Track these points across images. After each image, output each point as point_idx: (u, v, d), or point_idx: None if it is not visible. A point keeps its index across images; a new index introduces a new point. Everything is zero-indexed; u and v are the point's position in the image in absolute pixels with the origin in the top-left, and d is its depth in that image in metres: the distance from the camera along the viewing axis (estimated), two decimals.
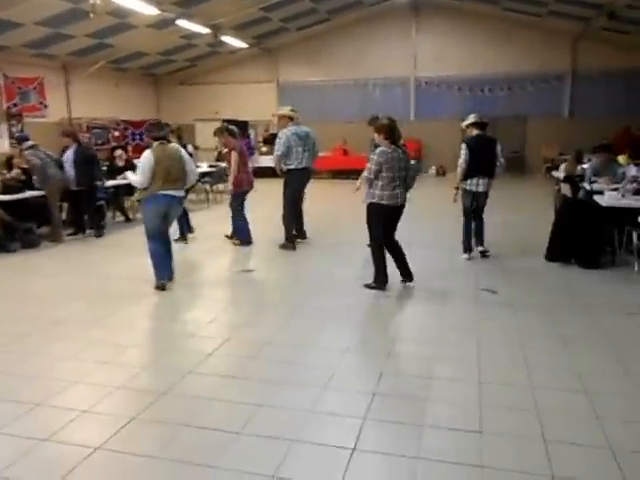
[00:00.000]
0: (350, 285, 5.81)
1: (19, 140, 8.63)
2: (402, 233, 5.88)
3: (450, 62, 17.61)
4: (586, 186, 7.34)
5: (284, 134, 7.49)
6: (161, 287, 5.71)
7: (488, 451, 2.84)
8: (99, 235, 8.62)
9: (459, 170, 6.82)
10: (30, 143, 8.24)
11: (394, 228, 5.75)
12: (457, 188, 6.95)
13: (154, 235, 5.70)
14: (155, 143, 5.68)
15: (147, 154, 5.57)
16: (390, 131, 5.44)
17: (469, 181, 6.81)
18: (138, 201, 5.88)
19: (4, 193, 7.83)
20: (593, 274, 6.19)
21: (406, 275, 5.78)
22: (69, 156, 8.40)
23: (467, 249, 7.00)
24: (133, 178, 5.71)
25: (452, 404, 3.35)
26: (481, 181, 6.78)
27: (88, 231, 8.72)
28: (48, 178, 8.10)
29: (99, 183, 8.90)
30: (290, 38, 18.53)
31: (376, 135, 5.52)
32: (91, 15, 11.04)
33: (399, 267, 5.78)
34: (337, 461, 2.77)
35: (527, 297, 5.44)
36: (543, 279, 6.08)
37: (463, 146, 6.79)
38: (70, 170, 8.34)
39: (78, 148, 8.52)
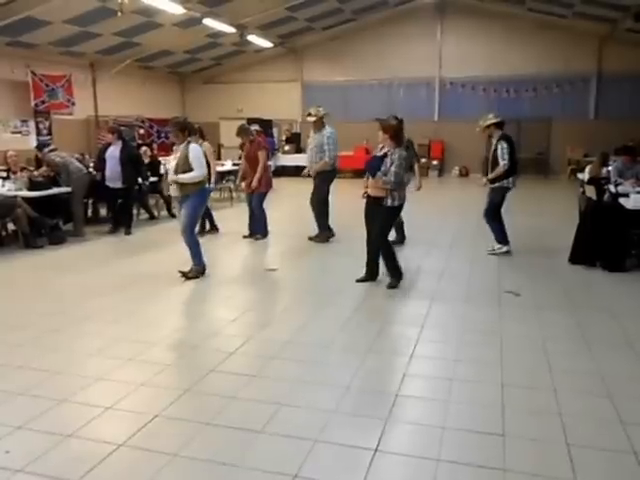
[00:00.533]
0: (374, 285, 5.79)
1: (40, 147, 9.10)
2: (425, 233, 5.87)
3: (475, 63, 17.47)
4: (611, 189, 7.23)
5: (332, 134, 7.53)
6: (204, 270, 6.11)
7: (510, 454, 2.82)
8: (129, 233, 8.73)
9: (503, 167, 6.76)
10: (51, 147, 8.74)
11: None
12: (489, 180, 6.94)
13: (194, 226, 6.07)
14: (193, 138, 5.96)
15: (198, 148, 5.91)
16: (396, 133, 5.40)
17: (510, 178, 6.85)
18: (186, 196, 5.86)
19: (31, 190, 7.99)
20: (618, 277, 6.10)
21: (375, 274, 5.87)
22: (114, 153, 8.54)
23: (506, 241, 7.08)
24: (196, 173, 5.77)
25: (474, 406, 3.32)
26: (514, 178, 6.89)
27: (121, 228, 8.84)
28: (71, 174, 8.33)
29: (145, 182, 9.28)
30: (315, 38, 18.57)
31: (381, 133, 5.43)
32: (118, 13, 11.20)
33: (376, 266, 5.80)
34: (359, 462, 2.77)
35: (551, 299, 5.38)
36: (567, 282, 6.00)
37: (504, 144, 6.78)
38: (116, 167, 8.48)
39: (124, 146, 8.68)
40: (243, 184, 8.30)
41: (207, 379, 3.69)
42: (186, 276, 6.00)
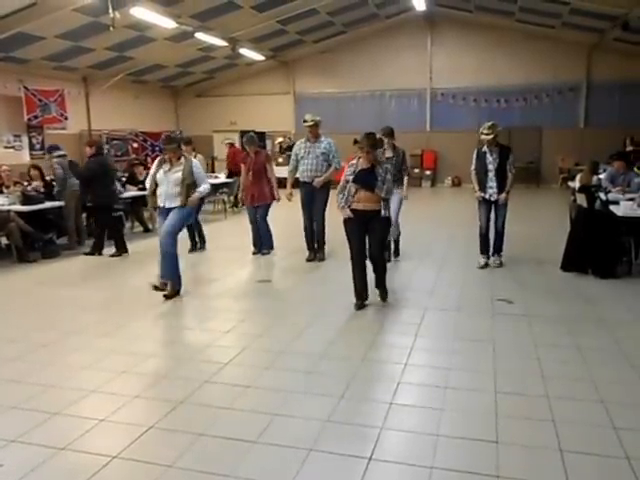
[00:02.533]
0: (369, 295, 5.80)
1: (50, 149, 8.87)
2: (418, 242, 5.89)
3: (465, 73, 17.63)
4: (602, 196, 7.29)
5: (334, 144, 7.38)
6: (180, 286, 5.99)
7: (504, 461, 2.83)
8: (92, 253, 8.20)
9: (513, 177, 6.82)
10: (60, 152, 8.48)
11: None
12: (507, 193, 6.88)
13: (178, 233, 6.00)
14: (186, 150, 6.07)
15: (197, 162, 6.09)
16: (374, 145, 5.30)
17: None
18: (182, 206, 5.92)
19: (24, 204, 7.99)
20: (609, 284, 6.15)
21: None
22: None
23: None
24: (208, 186, 6.02)
25: (468, 414, 3.34)
26: None
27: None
28: (67, 188, 8.29)
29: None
30: (306, 50, 18.70)
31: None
32: (111, 28, 11.23)
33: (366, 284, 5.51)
34: (354, 470, 2.78)
35: (543, 307, 5.41)
36: (559, 289, 6.04)
37: (511, 155, 6.79)
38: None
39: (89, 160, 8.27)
40: (241, 194, 8.13)
41: (201, 390, 3.70)
42: (166, 295, 5.81)
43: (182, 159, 5.90)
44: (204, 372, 3.96)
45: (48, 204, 8.20)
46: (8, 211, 7.66)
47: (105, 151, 9.13)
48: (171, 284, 5.89)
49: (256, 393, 3.66)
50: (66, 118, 15.04)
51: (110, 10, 10.62)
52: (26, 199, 8.05)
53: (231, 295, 6.14)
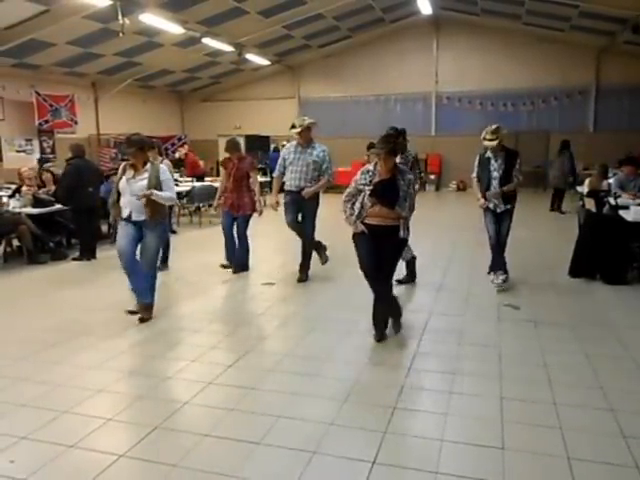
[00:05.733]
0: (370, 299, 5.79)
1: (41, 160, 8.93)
2: (424, 247, 5.85)
3: (472, 77, 17.62)
4: (611, 201, 7.25)
5: (328, 153, 6.58)
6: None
7: (510, 467, 2.82)
8: (76, 258, 8.01)
9: (517, 182, 6.15)
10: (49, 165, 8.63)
11: None
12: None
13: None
14: (151, 154, 5.54)
15: (164, 167, 5.37)
16: (395, 148, 4.58)
17: None
18: (154, 223, 5.19)
19: (35, 207, 8.09)
20: (618, 290, 6.11)
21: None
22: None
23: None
24: (172, 194, 5.30)
25: (473, 419, 3.33)
26: None
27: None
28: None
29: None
30: (312, 55, 18.76)
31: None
32: (120, 34, 11.35)
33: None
34: (357, 474, 2.78)
35: (550, 313, 5.39)
36: (567, 295, 6.02)
37: (519, 161, 6.15)
38: None
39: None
40: (216, 203, 7.30)
41: (205, 392, 3.71)
42: (142, 319, 5.22)
43: (147, 165, 5.17)
44: (209, 374, 3.98)
45: (57, 207, 8.26)
46: (19, 214, 7.75)
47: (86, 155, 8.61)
48: (146, 307, 5.29)
49: (260, 395, 3.67)
50: (76, 122, 15.23)
51: (119, 16, 10.74)
52: (37, 202, 8.16)
53: (235, 298, 6.16)
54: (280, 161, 6.68)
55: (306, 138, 6.48)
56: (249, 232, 7.20)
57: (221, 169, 7.48)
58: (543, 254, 8.08)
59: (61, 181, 8.15)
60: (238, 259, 7.16)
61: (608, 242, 6.34)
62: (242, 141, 15.87)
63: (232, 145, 7.15)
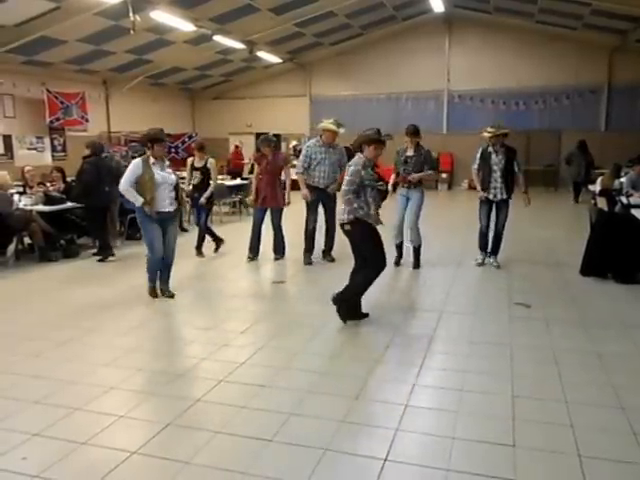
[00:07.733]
0: (382, 297, 5.80)
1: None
2: (434, 245, 5.85)
3: (484, 75, 17.52)
4: (623, 200, 7.21)
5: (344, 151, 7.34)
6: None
7: (521, 465, 2.82)
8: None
9: (524, 176, 7.05)
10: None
11: None
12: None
13: None
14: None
15: (133, 162, 5.63)
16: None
17: None
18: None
19: (47, 204, 8.14)
20: (630, 289, 6.06)
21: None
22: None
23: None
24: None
25: (484, 417, 3.32)
26: None
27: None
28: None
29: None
30: (323, 53, 18.74)
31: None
32: (131, 32, 11.38)
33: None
34: (369, 471, 2.79)
35: (562, 311, 5.36)
36: (578, 293, 5.98)
37: (517, 158, 6.99)
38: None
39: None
40: (253, 197, 7.66)
41: (218, 388, 3.73)
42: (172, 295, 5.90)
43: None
44: (221, 371, 3.99)
45: (69, 204, 8.31)
46: (30, 211, 7.80)
47: (107, 154, 8.67)
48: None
49: (271, 392, 3.68)
50: (87, 120, 15.27)
51: (131, 14, 10.77)
52: (48, 200, 8.22)
53: (248, 296, 6.17)
54: (305, 158, 7.23)
55: (334, 139, 7.19)
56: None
57: (255, 165, 7.91)
58: (554, 252, 8.02)
59: (79, 179, 8.14)
60: (277, 247, 7.69)
61: (620, 241, 6.30)
62: (252, 140, 15.97)
63: (266, 140, 7.57)
